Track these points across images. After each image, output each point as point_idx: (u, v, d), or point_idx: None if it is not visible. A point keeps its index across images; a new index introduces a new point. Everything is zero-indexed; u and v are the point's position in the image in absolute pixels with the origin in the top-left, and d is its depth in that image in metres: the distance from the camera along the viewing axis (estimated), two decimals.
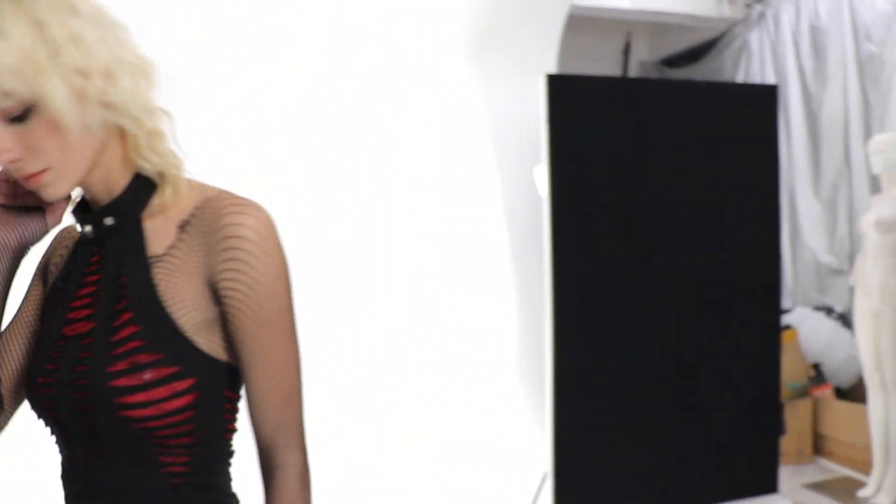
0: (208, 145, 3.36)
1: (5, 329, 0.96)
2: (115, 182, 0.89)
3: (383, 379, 3.54)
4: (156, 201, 0.90)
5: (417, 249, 3.64)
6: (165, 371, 0.83)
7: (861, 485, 3.65)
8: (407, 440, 3.49)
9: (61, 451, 0.91)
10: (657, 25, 5.62)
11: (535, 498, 3.34)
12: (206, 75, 3.27)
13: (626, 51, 5.78)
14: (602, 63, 5.59)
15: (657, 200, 2.95)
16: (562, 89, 2.75)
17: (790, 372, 4.13)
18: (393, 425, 3.51)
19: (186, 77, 3.30)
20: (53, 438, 0.91)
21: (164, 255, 0.87)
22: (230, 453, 0.95)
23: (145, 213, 0.90)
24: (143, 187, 0.90)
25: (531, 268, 3.31)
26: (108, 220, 0.89)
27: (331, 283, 3.48)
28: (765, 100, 3.20)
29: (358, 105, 3.50)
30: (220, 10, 3.24)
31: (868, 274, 3.42)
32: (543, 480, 3.09)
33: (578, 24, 4.91)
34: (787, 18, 4.82)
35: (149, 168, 0.89)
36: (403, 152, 3.64)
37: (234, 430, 0.94)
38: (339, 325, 3.50)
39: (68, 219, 0.96)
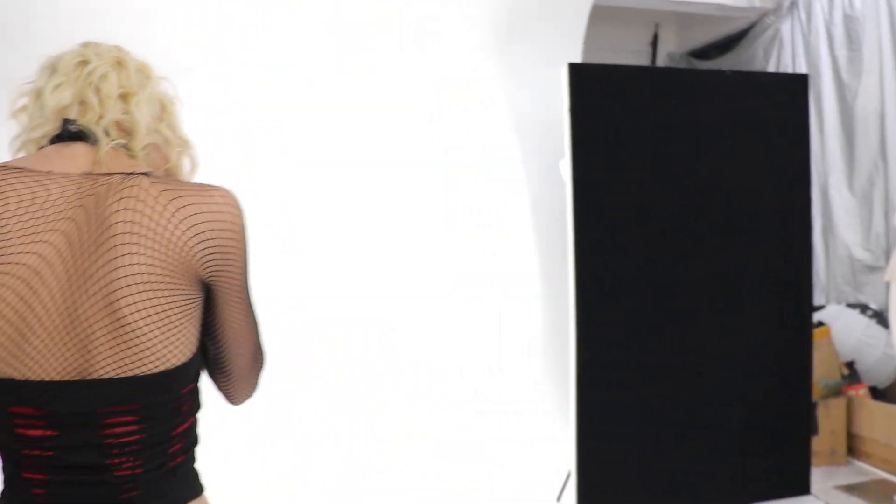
0: (199, 143, 3.35)
1: None
2: None
3: (377, 378, 3.49)
4: None
5: (421, 247, 3.58)
6: None
7: None
8: (401, 439, 3.45)
9: None
10: (685, 16, 5.52)
11: (560, 494, 3.29)
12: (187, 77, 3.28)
13: (654, 42, 5.69)
14: (629, 55, 5.50)
15: (682, 193, 2.88)
16: (584, 79, 2.70)
17: (823, 369, 4.02)
18: (387, 424, 3.46)
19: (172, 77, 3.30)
20: None
21: None
22: None
23: None
24: None
25: (556, 262, 3.25)
26: None
27: (324, 282, 3.43)
28: (795, 89, 3.11)
29: (377, 99, 3.48)
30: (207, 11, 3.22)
31: None
32: (568, 477, 3.04)
33: (605, 16, 4.84)
34: (819, 8, 4.70)
35: None
36: (420, 147, 3.60)
37: None
38: (333, 324, 3.45)
39: None
